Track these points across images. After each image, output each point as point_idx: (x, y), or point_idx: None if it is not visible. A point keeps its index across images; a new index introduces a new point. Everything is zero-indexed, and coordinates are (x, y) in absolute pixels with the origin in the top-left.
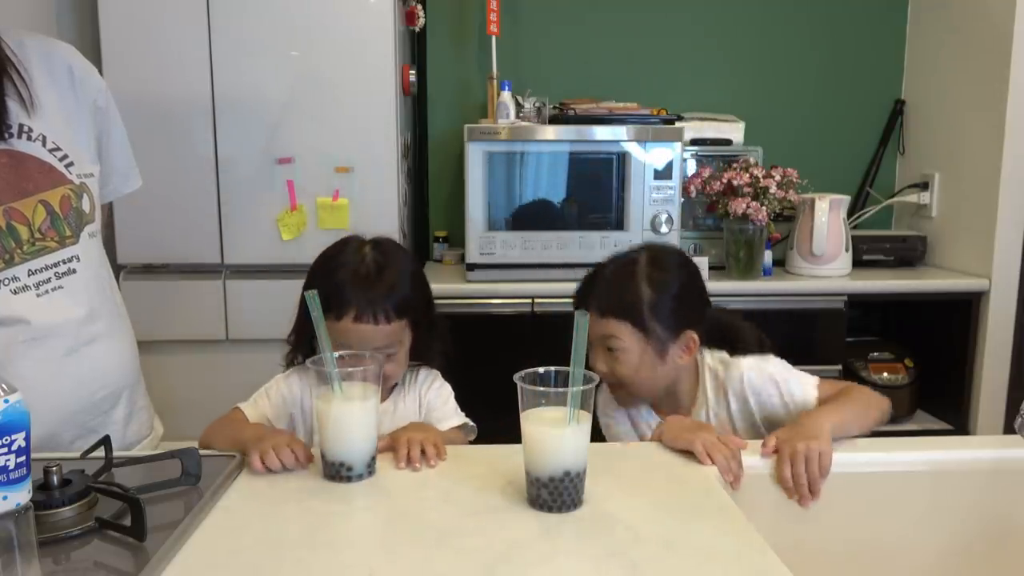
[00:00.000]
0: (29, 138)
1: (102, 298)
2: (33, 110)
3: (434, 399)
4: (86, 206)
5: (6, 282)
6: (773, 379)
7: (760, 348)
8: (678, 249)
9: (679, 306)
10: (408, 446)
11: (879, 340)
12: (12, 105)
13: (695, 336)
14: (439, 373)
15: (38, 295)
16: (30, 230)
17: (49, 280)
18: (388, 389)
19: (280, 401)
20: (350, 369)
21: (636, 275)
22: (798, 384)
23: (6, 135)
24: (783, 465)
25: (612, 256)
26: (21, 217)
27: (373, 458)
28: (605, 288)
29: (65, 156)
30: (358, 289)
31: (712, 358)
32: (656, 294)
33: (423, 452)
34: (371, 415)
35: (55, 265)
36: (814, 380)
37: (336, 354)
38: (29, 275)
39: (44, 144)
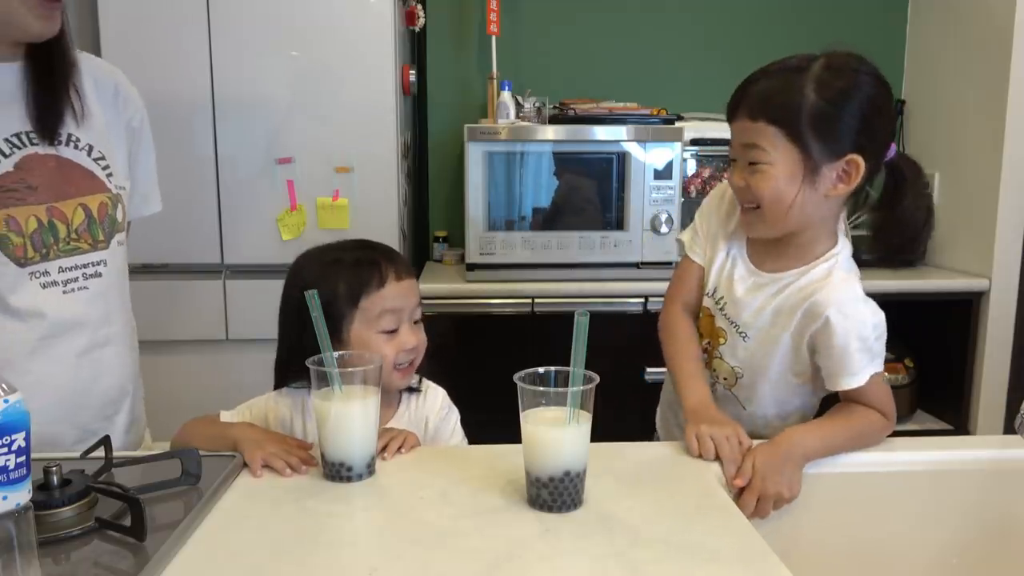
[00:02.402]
0: (76, 147)
1: (119, 304)
2: (82, 121)
3: (440, 428)
4: (119, 215)
5: (37, 275)
6: (848, 340)
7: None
8: (870, 61)
9: (849, 121)
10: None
11: None
12: (66, 116)
13: (859, 162)
14: (446, 394)
15: (64, 292)
16: (68, 229)
17: (77, 279)
18: (391, 409)
19: (263, 420)
20: (350, 369)
21: (804, 76)
22: (851, 370)
23: (56, 142)
24: (750, 496)
25: (786, 58)
26: (61, 216)
27: (373, 458)
28: (761, 86)
29: (108, 166)
30: (385, 257)
31: (848, 259)
32: (821, 100)
33: (387, 447)
34: (371, 415)
35: (84, 266)
36: (864, 376)
37: (336, 354)
38: (60, 272)
39: (90, 153)
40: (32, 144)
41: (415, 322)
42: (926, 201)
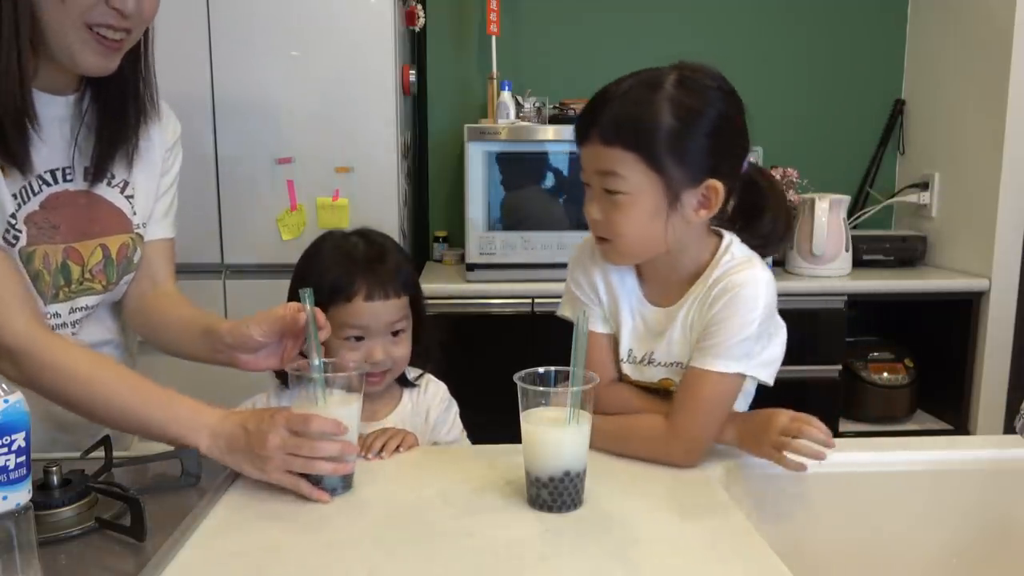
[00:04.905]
0: (110, 184)
1: (111, 322)
2: (129, 163)
3: (441, 420)
4: (136, 256)
5: (48, 317)
6: (742, 323)
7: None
8: (719, 73)
9: (706, 143)
10: (376, 438)
11: (879, 340)
12: (120, 158)
13: (718, 187)
14: (446, 387)
15: (73, 333)
16: (82, 270)
17: (81, 321)
18: (393, 401)
19: None
20: (332, 375)
21: (657, 96)
22: (724, 355)
23: (97, 182)
24: None
25: (635, 72)
26: (77, 257)
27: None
28: (615, 108)
29: (134, 204)
30: (365, 270)
31: (743, 250)
32: (678, 123)
33: (384, 446)
34: (352, 426)
35: (94, 307)
36: (733, 366)
37: (327, 361)
38: (70, 313)
39: (122, 191)
40: (66, 180)
41: (395, 333)
42: (784, 209)
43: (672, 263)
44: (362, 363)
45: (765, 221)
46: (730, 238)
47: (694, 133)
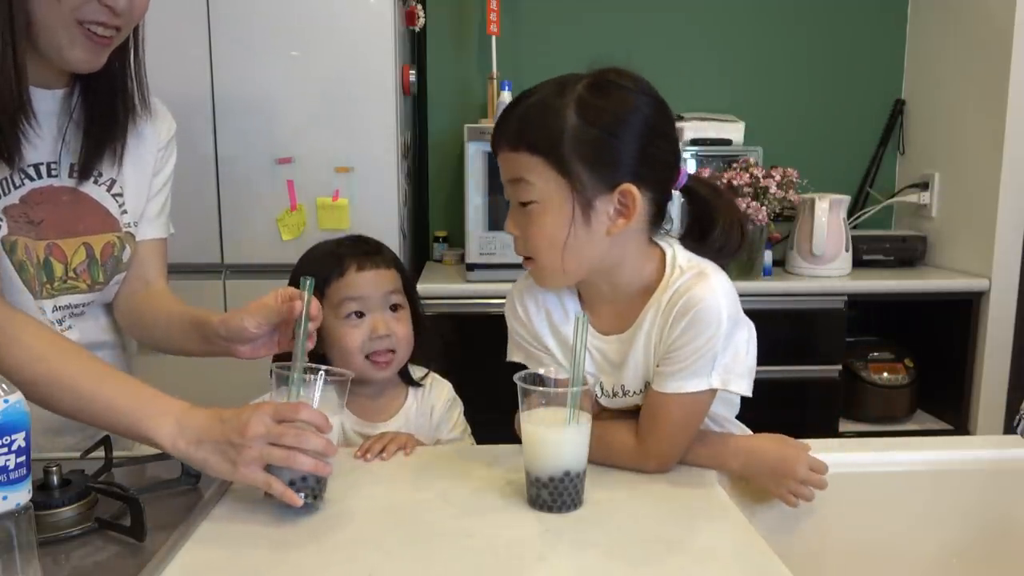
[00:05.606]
0: (96, 182)
1: (106, 327)
2: (117, 161)
3: (445, 419)
4: (125, 256)
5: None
6: (708, 339)
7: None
8: (641, 78)
9: (619, 146)
10: (376, 442)
11: (879, 340)
12: (107, 156)
13: (634, 192)
14: (451, 386)
15: (61, 332)
16: (65, 268)
17: (64, 320)
18: (399, 401)
19: None
20: (319, 375)
21: (565, 96)
22: (694, 375)
23: (83, 180)
24: None
25: (552, 78)
26: (60, 255)
27: (320, 481)
28: (521, 112)
29: (123, 203)
30: (354, 250)
31: (688, 259)
32: (586, 124)
33: (385, 449)
34: (334, 430)
35: (75, 307)
36: (707, 380)
37: (316, 366)
38: (54, 311)
39: (109, 189)
40: (51, 176)
41: (392, 308)
42: (736, 217)
43: (612, 282)
44: (370, 341)
45: (717, 233)
46: (672, 250)
47: (604, 135)
